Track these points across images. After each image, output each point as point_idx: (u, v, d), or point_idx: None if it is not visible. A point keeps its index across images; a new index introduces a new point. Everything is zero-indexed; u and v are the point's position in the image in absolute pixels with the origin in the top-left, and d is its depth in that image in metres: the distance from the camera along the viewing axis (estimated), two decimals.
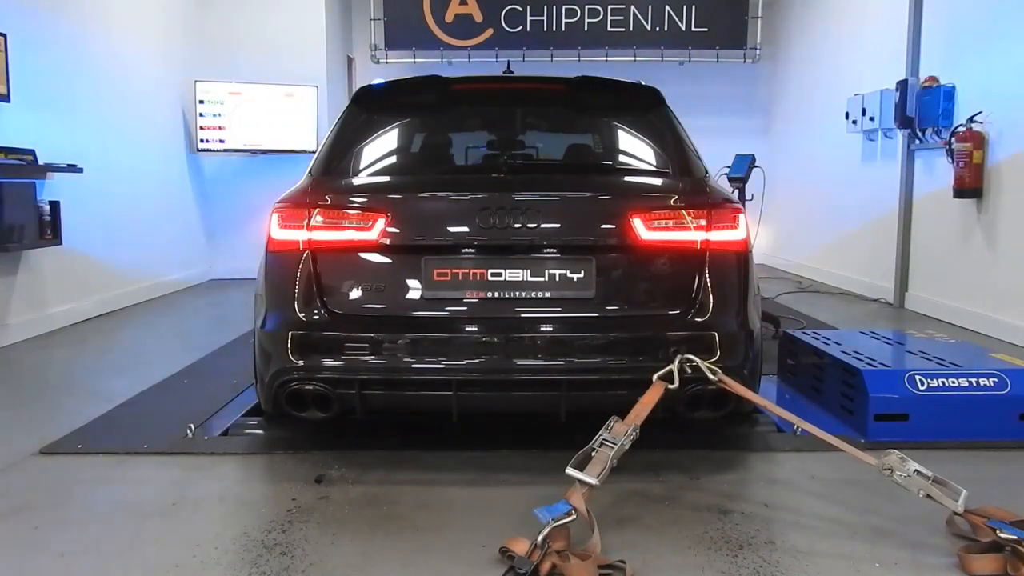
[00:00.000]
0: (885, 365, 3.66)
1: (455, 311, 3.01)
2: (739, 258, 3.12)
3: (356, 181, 3.38)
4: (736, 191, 6.73)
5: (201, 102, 8.40)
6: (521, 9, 9.87)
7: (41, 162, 5.58)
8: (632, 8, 9.88)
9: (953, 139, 5.95)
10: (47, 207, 5.68)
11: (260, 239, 3.23)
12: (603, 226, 3.06)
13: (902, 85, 6.65)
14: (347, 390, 2.95)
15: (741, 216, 3.14)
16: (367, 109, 3.69)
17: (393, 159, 3.72)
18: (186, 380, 4.53)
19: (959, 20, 6.28)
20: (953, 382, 3.47)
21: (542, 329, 3.00)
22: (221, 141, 8.56)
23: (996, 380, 3.47)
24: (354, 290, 3.04)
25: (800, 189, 9.57)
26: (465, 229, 3.04)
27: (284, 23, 8.79)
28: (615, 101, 3.82)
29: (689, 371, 2.85)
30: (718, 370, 2.87)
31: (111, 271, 6.83)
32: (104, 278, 6.72)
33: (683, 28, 9.91)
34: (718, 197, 3.18)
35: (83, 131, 6.43)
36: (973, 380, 3.47)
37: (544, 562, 2.24)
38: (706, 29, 9.93)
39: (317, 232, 3.04)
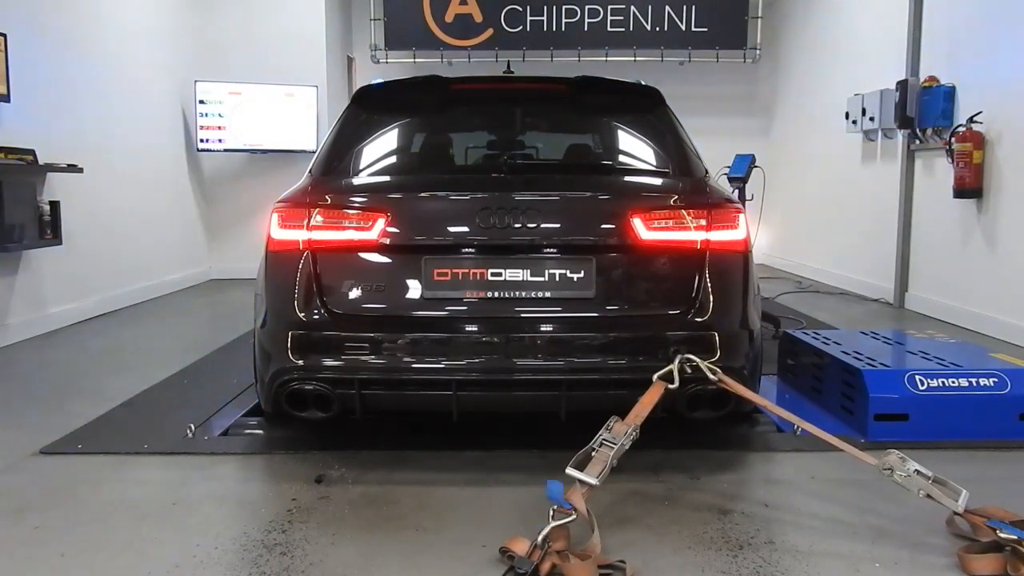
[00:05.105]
0: (885, 365, 3.66)
1: (455, 311, 3.01)
2: (739, 258, 3.12)
3: (356, 181, 3.38)
4: (736, 191, 6.75)
5: (201, 102, 8.40)
6: (521, 9, 9.86)
7: (41, 162, 5.58)
8: (632, 8, 9.88)
9: (953, 139, 5.94)
10: (47, 207, 5.69)
11: (260, 239, 3.23)
12: (603, 226, 3.06)
13: (902, 85, 6.64)
14: (347, 390, 2.95)
15: (741, 216, 3.14)
16: (367, 109, 3.69)
17: (393, 159, 3.72)
18: (186, 380, 4.53)
19: (959, 20, 6.27)
20: (953, 382, 3.47)
21: (542, 329, 3.00)
22: (221, 141, 8.56)
23: (996, 380, 3.47)
24: (354, 290, 3.04)
25: (800, 189, 9.57)
26: (465, 229, 3.04)
27: (284, 23, 8.78)
28: (615, 101, 3.82)
29: (689, 371, 2.85)
30: (718, 370, 2.87)
31: (111, 271, 6.83)
32: (104, 278, 6.72)
33: (683, 28, 9.91)
34: (718, 197, 3.18)
35: (83, 131, 6.43)
36: (973, 380, 3.47)
37: (544, 562, 2.24)
38: (706, 29, 9.92)
39: (317, 232, 3.04)
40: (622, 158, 3.87)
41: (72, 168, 5.95)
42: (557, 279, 3.00)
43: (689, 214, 3.07)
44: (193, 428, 3.56)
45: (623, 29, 9.91)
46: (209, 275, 8.96)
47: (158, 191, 7.85)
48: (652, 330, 3.00)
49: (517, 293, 2.99)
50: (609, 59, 9.88)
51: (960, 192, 5.93)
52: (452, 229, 3.07)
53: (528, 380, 2.97)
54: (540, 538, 2.27)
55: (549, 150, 4.43)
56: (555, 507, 2.35)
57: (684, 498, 2.86)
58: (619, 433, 2.56)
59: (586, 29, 9.91)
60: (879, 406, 3.44)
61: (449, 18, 9.85)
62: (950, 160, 6.01)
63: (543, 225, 3.00)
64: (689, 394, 2.90)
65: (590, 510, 2.36)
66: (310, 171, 3.44)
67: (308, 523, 2.64)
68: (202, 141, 8.51)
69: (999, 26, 5.73)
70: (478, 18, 9.86)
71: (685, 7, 9.89)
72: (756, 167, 6.92)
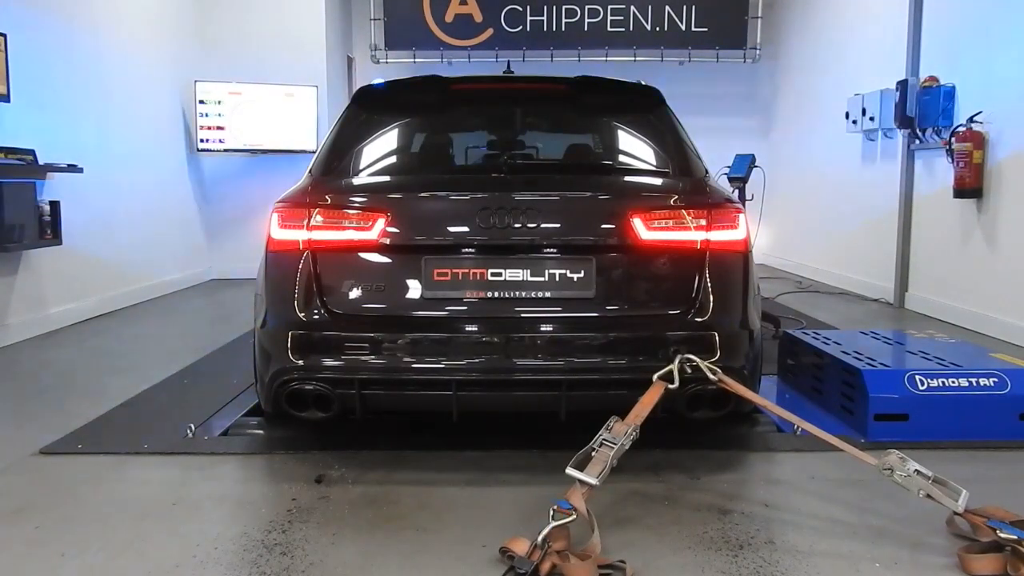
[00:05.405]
0: (885, 365, 3.66)
1: (455, 311, 3.01)
2: (739, 258, 3.12)
3: (356, 181, 3.38)
4: (736, 191, 6.74)
5: (201, 102, 8.40)
6: (521, 9, 9.87)
7: (41, 162, 5.58)
8: (632, 8, 9.89)
9: (953, 139, 5.95)
10: (47, 207, 5.69)
11: (260, 239, 3.23)
12: (603, 226, 3.06)
13: (902, 85, 6.65)
14: (347, 390, 2.95)
15: (741, 216, 3.14)
16: (367, 109, 3.69)
17: (393, 159, 3.72)
18: (186, 380, 4.53)
19: (959, 20, 6.27)
20: (953, 382, 3.47)
21: (542, 329, 2.99)
22: (221, 141, 8.56)
23: (996, 380, 3.47)
24: (354, 290, 3.04)
25: (800, 189, 9.57)
26: (465, 229, 3.04)
27: (284, 23, 8.79)
28: (615, 101, 3.82)
29: (689, 371, 2.85)
30: (718, 370, 2.87)
31: (111, 271, 6.83)
32: (104, 278, 6.72)
33: (683, 28, 9.92)
34: (718, 197, 3.18)
35: (83, 131, 6.43)
36: (973, 380, 3.47)
37: (544, 562, 2.24)
38: (706, 29, 9.93)
39: (317, 232, 3.04)
40: (622, 158, 3.87)
41: (72, 168, 5.95)
42: (557, 279, 3.00)
43: (689, 214, 3.06)
44: (193, 428, 3.56)
45: (623, 29, 9.92)
46: (209, 275, 8.96)
47: (158, 191, 7.85)
48: (652, 330, 3.00)
49: (517, 293, 2.99)
50: (609, 59, 9.88)
51: (960, 192, 5.93)
52: (452, 229, 3.07)
53: (528, 380, 2.97)
54: (540, 538, 2.27)
55: (549, 150, 4.42)
56: (555, 507, 2.35)
57: (684, 498, 2.86)
58: (619, 433, 2.56)
59: (586, 29, 9.92)
60: (879, 406, 3.44)
61: (449, 18, 9.86)
62: (950, 160, 6.01)
63: (543, 225, 3.00)
64: (689, 394, 2.90)
65: (590, 510, 2.36)
66: (310, 171, 3.44)
67: (308, 523, 2.64)
68: (202, 141, 8.51)
69: (999, 26, 5.73)
70: (478, 18, 9.87)
71: (685, 7, 9.89)
72: (756, 167, 6.91)
